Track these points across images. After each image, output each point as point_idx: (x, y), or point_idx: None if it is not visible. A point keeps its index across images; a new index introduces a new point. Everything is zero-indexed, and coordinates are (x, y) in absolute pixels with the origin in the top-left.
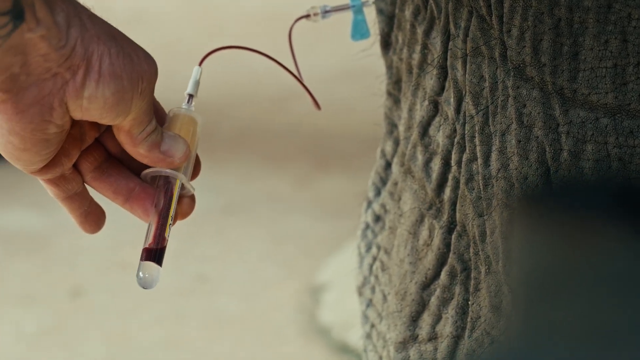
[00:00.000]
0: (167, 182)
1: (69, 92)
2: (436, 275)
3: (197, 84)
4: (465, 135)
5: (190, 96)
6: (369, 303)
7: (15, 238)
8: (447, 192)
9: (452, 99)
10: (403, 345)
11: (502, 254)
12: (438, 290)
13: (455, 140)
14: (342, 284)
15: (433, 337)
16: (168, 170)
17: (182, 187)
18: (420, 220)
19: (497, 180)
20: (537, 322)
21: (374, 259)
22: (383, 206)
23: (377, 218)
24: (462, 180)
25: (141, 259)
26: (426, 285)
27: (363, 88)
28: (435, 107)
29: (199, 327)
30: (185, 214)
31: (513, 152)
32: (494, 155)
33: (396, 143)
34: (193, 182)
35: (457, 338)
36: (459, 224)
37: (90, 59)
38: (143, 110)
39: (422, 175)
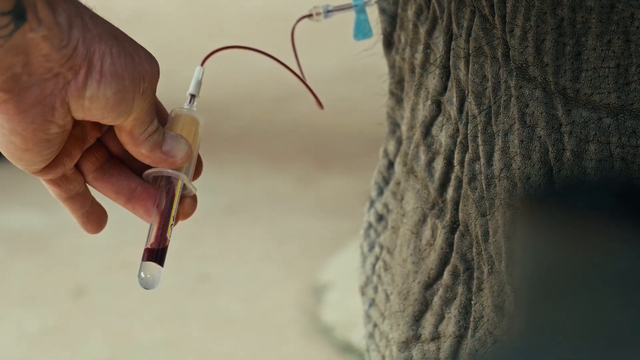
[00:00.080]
0: (168, 183)
1: (70, 92)
2: (439, 275)
3: (199, 84)
4: (468, 135)
5: (192, 96)
6: (372, 303)
7: (17, 238)
8: (450, 191)
9: (454, 99)
10: (406, 344)
11: (504, 253)
12: (441, 290)
13: (458, 140)
14: (344, 283)
15: (436, 337)
16: (170, 171)
17: (184, 187)
18: (422, 220)
19: (499, 180)
20: (540, 322)
21: (377, 258)
22: (386, 206)
23: (380, 217)
24: (465, 180)
25: (143, 260)
26: (429, 285)
27: (365, 87)
28: (437, 107)
29: (200, 327)
30: (187, 215)
31: (516, 152)
32: (496, 155)
33: (399, 143)
34: (194, 182)
35: (459, 338)
36: (462, 224)
37: (92, 59)
38: (145, 110)
39: (424, 175)
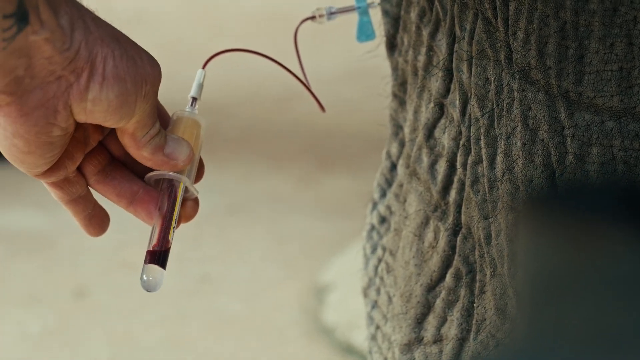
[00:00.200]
0: (170, 185)
1: (73, 95)
2: (441, 277)
3: (200, 86)
4: (471, 138)
5: (194, 99)
6: (374, 304)
7: (18, 238)
8: (453, 194)
9: (457, 101)
10: (408, 347)
11: (507, 256)
12: (443, 292)
13: (461, 142)
14: (345, 284)
15: (438, 340)
16: (172, 173)
17: (186, 190)
18: (425, 223)
19: (502, 182)
20: (542, 325)
21: (380, 260)
22: (388, 208)
23: (383, 219)
24: (468, 183)
25: (145, 262)
26: (431, 288)
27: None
28: (440, 109)
29: (201, 327)
30: (188, 217)
31: (518, 155)
32: (499, 158)
33: (402, 145)
34: (196, 185)
35: (462, 340)
36: (464, 227)
37: (94, 62)
38: (147, 113)
39: (427, 177)
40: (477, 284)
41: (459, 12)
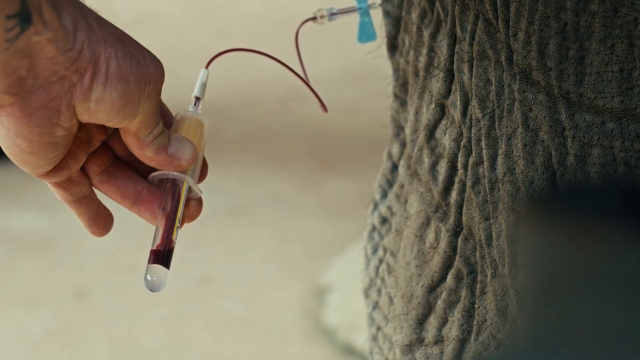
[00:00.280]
0: (174, 185)
1: (76, 95)
2: (442, 278)
3: (203, 86)
4: (472, 139)
5: (197, 99)
6: (375, 305)
7: (19, 239)
8: (454, 195)
9: (458, 102)
10: (409, 348)
11: (508, 257)
12: (444, 293)
13: (462, 143)
14: (347, 285)
15: (439, 340)
16: (175, 173)
17: (190, 190)
18: (426, 223)
19: (503, 183)
20: (543, 326)
21: (381, 261)
22: (389, 208)
23: (384, 220)
24: (469, 184)
25: (149, 262)
26: (432, 288)
27: (369, 90)
28: (441, 110)
29: (203, 328)
30: (192, 217)
31: (519, 156)
32: (500, 159)
33: (403, 145)
34: (200, 185)
35: (463, 341)
36: (465, 227)
37: (98, 62)
38: (150, 113)
39: (428, 178)
40: (478, 285)
41: (460, 13)
